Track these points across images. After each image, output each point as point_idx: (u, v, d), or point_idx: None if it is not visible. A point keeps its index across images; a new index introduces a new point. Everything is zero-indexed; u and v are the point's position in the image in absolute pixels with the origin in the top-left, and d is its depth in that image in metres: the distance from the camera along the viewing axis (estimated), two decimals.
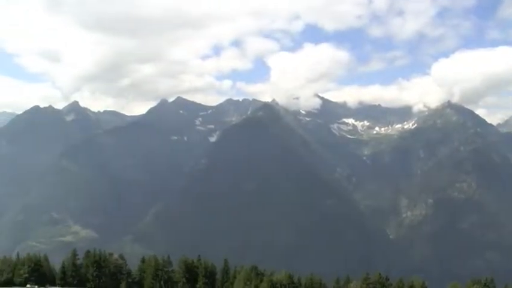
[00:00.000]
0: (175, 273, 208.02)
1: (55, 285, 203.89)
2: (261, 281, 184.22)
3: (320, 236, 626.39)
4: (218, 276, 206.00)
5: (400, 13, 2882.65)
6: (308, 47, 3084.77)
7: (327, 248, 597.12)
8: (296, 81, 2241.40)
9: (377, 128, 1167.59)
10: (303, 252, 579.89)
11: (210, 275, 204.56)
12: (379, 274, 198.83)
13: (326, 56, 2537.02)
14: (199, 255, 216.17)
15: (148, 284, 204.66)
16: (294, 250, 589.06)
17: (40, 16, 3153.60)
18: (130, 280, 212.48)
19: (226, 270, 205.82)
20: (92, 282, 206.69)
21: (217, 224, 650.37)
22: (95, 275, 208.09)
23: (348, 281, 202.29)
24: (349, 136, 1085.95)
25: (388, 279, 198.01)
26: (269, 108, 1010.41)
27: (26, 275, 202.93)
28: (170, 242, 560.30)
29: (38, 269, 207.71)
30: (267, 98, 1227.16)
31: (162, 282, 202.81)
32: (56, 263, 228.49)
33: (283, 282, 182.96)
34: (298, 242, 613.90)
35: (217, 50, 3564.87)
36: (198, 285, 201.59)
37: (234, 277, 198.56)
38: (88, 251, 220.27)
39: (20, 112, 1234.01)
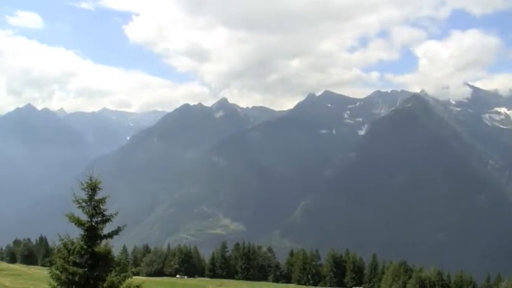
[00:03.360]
0: (323, 267, 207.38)
1: (204, 276, 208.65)
2: (410, 277, 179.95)
3: (471, 231, 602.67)
4: (366, 271, 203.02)
5: None
6: (456, 34, 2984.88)
7: (478, 244, 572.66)
8: (445, 70, 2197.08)
9: None
10: (452, 248, 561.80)
11: (358, 269, 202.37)
12: None
13: (475, 42, 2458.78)
14: (347, 250, 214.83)
15: (296, 277, 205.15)
16: (443, 246, 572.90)
17: (183, 18, 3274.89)
18: (278, 273, 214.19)
19: (374, 266, 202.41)
20: (240, 274, 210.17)
21: (365, 218, 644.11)
22: (243, 267, 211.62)
23: (499, 280, 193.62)
24: (501, 126, 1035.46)
25: None
26: (418, 99, 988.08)
27: (176, 266, 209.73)
28: (319, 236, 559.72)
29: (188, 260, 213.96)
30: (415, 89, 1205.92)
31: (309, 276, 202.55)
32: (205, 254, 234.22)
33: (432, 279, 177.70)
34: (448, 237, 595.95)
35: (363, 42, 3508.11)
36: (345, 280, 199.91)
37: (382, 273, 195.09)
38: (237, 244, 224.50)
39: (170, 110, 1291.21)
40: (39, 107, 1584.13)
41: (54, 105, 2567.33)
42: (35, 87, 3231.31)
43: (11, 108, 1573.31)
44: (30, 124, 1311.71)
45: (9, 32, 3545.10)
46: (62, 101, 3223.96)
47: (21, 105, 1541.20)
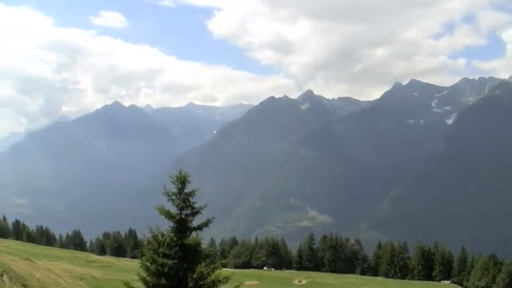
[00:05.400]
0: (411, 260, 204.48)
1: (291, 269, 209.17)
2: (499, 271, 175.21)
3: None
4: (455, 264, 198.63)
5: None
6: None
7: None
8: None
9: None
10: None
11: (447, 262, 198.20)
12: None
13: None
14: (436, 242, 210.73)
15: (384, 270, 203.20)
16: None
17: (265, 11, 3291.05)
18: (365, 265, 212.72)
19: (463, 259, 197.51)
20: (327, 267, 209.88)
21: (455, 209, 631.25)
22: (331, 259, 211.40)
23: None
24: None
25: None
26: (507, 86, 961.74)
27: (264, 258, 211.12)
28: (406, 228, 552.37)
29: (275, 253, 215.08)
30: (504, 75, 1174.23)
31: (397, 269, 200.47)
32: (293, 247, 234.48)
33: None
34: None
35: (449, 28, 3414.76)
36: (433, 273, 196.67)
37: (472, 266, 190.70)
38: (325, 236, 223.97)
39: (255, 103, 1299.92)
40: (127, 104, 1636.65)
41: (141, 102, 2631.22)
42: (122, 85, 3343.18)
43: (99, 106, 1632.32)
44: (118, 120, 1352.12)
45: (93, 32, 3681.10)
46: (148, 97, 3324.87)
47: (109, 103, 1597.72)
